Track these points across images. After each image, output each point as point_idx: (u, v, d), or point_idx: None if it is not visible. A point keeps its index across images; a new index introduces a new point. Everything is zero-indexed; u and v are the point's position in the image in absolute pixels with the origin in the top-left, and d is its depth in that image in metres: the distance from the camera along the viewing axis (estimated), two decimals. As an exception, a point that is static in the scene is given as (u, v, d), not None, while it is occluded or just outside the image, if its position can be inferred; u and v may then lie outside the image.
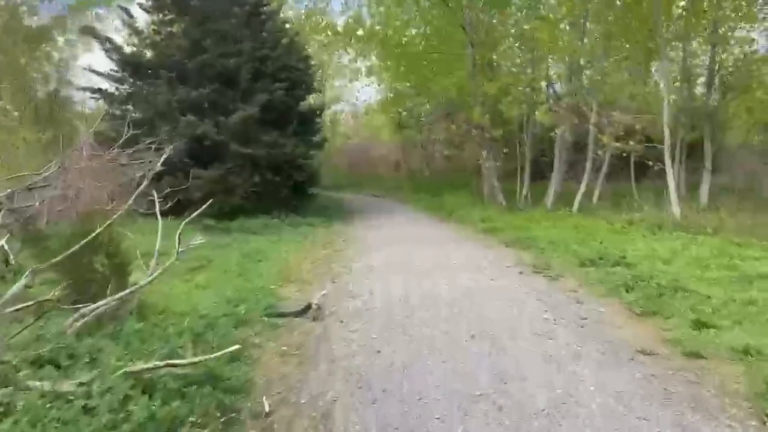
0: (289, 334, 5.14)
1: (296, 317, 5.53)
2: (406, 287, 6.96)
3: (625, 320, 5.54)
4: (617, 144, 12.69)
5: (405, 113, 28.50)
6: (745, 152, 20.25)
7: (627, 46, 13.50)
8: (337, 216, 16.04)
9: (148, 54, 13.56)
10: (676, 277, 6.78)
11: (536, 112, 15.28)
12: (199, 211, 6.32)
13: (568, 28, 15.39)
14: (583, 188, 14.98)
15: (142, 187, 8.87)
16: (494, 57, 16.59)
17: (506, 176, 18.49)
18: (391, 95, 25.88)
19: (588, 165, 15.00)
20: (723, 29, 14.76)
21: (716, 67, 15.35)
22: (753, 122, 17.59)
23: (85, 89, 13.94)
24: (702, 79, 16.67)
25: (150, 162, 11.15)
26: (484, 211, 15.38)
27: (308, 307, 5.62)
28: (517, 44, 16.67)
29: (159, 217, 6.02)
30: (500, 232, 12.20)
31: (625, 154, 15.07)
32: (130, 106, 13.61)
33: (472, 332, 5.15)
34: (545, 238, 10.64)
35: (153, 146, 11.33)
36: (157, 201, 7.34)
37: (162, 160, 11.23)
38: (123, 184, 11.00)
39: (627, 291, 6.51)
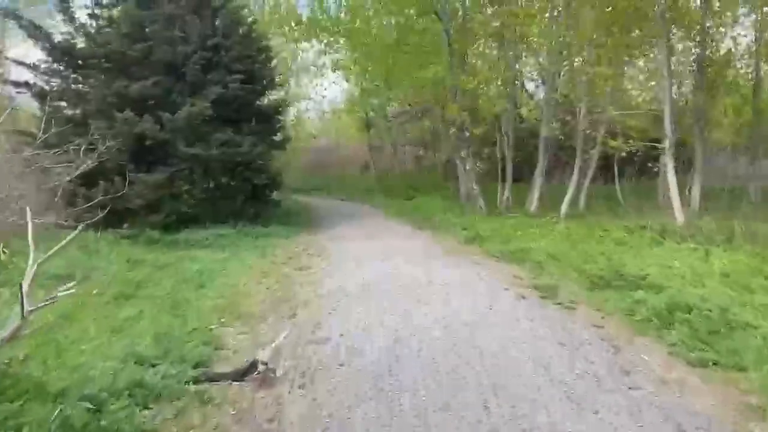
0: (223, 415, 3.56)
1: (236, 381, 3.96)
2: (389, 324, 5.45)
3: (684, 376, 4.14)
4: (615, 143, 11.43)
5: (372, 112, 27.06)
6: (729, 154, 19.54)
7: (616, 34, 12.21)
8: (302, 224, 14.42)
9: (82, 43, 11.70)
10: (720, 305, 5.43)
11: (519, 109, 14.02)
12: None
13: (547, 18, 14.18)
14: (571, 191, 13.73)
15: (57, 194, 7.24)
16: (470, 52, 15.23)
17: (483, 177, 17.21)
18: (358, 92, 24.41)
19: (576, 166, 13.77)
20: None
21: (704, 63, 14.29)
22: (740, 123, 16.79)
23: (7, 83, 12.02)
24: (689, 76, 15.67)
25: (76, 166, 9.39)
26: (464, 217, 14.00)
27: (254, 365, 4.04)
28: (492, 39, 15.44)
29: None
30: (486, 242, 10.81)
31: (611, 154, 14.03)
32: (63, 103, 11.75)
33: (485, 401, 3.69)
34: (540, 250, 9.30)
35: (82, 147, 9.57)
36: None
37: (88, 163, 9.49)
38: (41, 191, 9.24)
39: (667, 327, 5.14)
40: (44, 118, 10.03)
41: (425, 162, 29.79)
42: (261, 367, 3.95)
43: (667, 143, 11.10)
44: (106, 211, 9.40)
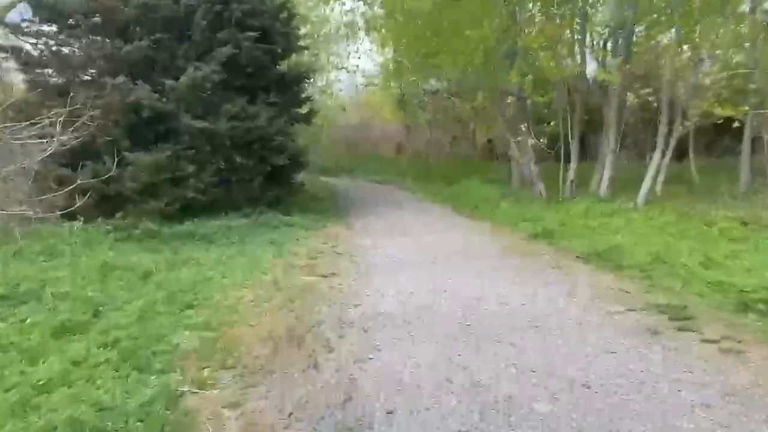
0: None
1: None
2: (458, 392, 3.41)
3: None
4: (727, 110, 9.04)
5: (405, 87, 24.72)
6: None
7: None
8: (329, 212, 12.40)
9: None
10: None
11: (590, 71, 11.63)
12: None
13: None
14: (652, 171, 11.38)
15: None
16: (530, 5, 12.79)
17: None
18: (393, 65, 22.10)
19: (660, 140, 11.39)
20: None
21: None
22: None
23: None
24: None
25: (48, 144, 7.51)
26: (521, 205, 11.80)
27: None
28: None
29: None
30: (559, 237, 8.66)
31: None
32: (49, 70, 9.86)
33: None
34: (637, 248, 7.14)
35: (59, 119, 7.69)
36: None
37: (63, 139, 7.61)
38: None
39: None
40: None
41: (463, 142, 27.44)
42: None
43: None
44: (85, 198, 7.59)
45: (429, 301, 5.40)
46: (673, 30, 11.08)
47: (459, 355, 4.00)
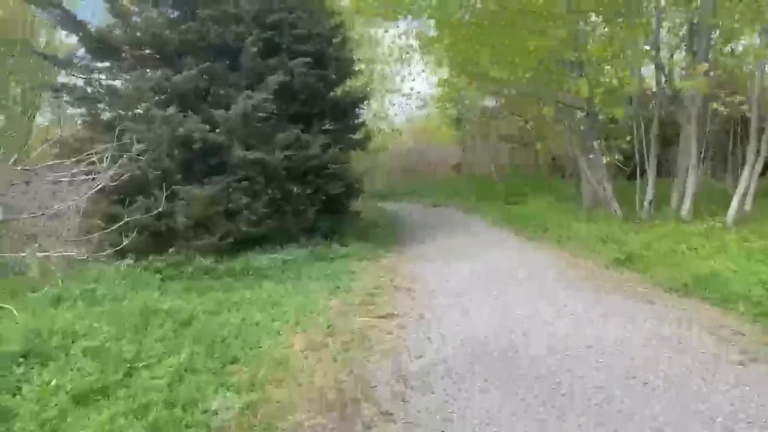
0: None
1: None
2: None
3: None
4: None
5: (461, 106, 24.12)
6: None
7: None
8: (387, 240, 11.79)
9: (119, 31, 9.69)
10: None
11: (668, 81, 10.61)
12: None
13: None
14: (742, 188, 10.22)
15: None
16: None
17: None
18: (447, 86, 21.52)
19: (751, 153, 10.22)
20: None
21: None
22: None
23: (37, 88, 10.28)
24: None
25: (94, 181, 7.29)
26: (597, 227, 10.80)
27: None
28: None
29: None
30: (644, 264, 7.75)
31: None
32: (101, 105, 9.82)
33: None
34: (739, 277, 6.19)
35: (106, 155, 7.48)
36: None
37: (109, 174, 7.38)
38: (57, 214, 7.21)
39: None
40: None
41: (523, 160, 26.37)
42: None
43: None
44: (133, 235, 7.30)
45: (504, 348, 4.68)
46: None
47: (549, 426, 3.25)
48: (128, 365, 4.14)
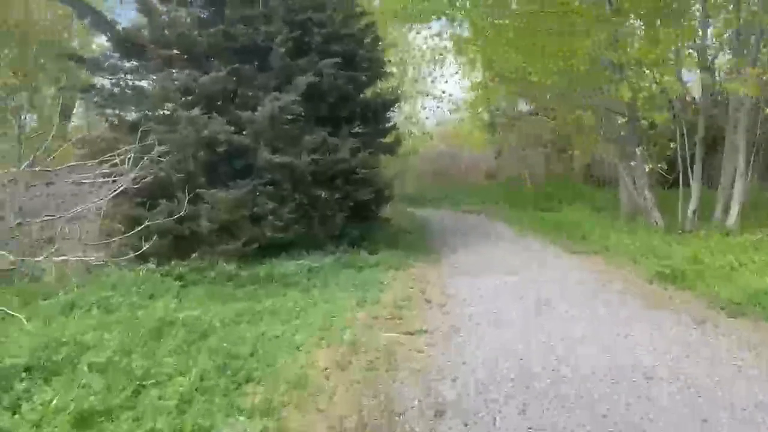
0: None
1: None
2: None
3: None
4: None
5: (495, 110, 23.61)
6: None
7: None
8: (418, 247, 11.38)
9: (146, 31, 9.52)
10: None
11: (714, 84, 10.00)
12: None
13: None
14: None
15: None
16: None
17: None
18: (481, 89, 21.04)
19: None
20: None
21: None
22: None
23: (66, 89, 10.21)
24: None
25: (113, 183, 7.07)
26: (637, 237, 10.21)
27: None
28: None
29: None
30: (693, 279, 7.18)
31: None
32: (125, 105, 9.68)
33: None
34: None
35: (128, 157, 7.28)
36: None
37: (129, 177, 7.15)
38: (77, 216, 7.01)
39: None
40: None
41: (557, 166, 25.61)
42: None
43: None
44: (153, 240, 7.09)
45: (546, 373, 4.24)
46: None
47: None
48: (137, 383, 3.84)
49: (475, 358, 4.67)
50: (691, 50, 10.41)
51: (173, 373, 4.04)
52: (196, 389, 3.81)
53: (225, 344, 4.78)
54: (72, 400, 3.49)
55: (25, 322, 4.61)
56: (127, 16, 33.04)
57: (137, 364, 4.07)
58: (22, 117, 12.89)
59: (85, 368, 3.91)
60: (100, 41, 15.34)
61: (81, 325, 4.74)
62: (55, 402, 3.45)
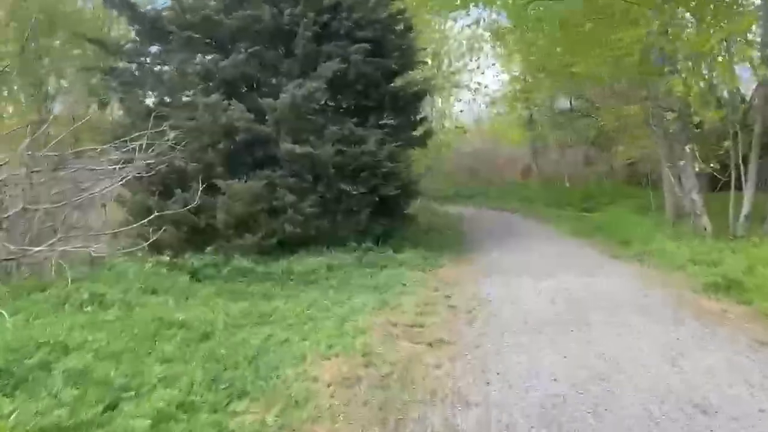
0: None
1: None
2: None
3: None
4: None
5: (533, 106, 22.78)
6: None
7: None
8: (447, 246, 10.77)
9: (167, 13, 9.15)
10: None
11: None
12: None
13: None
14: None
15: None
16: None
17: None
18: (520, 83, 20.26)
19: None
20: None
21: None
22: None
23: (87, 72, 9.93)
24: None
25: (126, 169, 6.68)
26: (684, 243, 9.38)
27: None
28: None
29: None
30: (749, 291, 6.41)
31: None
32: (144, 90, 9.34)
33: None
34: None
35: (141, 144, 6.89)
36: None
37: (142, 164, 6.76)
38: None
39: None
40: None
41: (598, 165, 24.55)
42: None
43: None
44: (161, 231, 6.68)
45: (588, 403, 3.61)
46: None
47: None
48: (114, 395, 3.38)
49: (501, 377, 4.08)
50: (749, 42, 9.49)
51: (157, 384, 3.57)
52: (178, 406, 3.32)
53: (223, 350, 4.32)
54: (35, 414, 3.04)
55: (8, 319, 4.21)
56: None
57: (119, 372, 3.62)
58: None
59: (59, 375, 3.46)
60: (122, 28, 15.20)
61: (67, 324, 4.31)
62: (14, 416, 3.01)
